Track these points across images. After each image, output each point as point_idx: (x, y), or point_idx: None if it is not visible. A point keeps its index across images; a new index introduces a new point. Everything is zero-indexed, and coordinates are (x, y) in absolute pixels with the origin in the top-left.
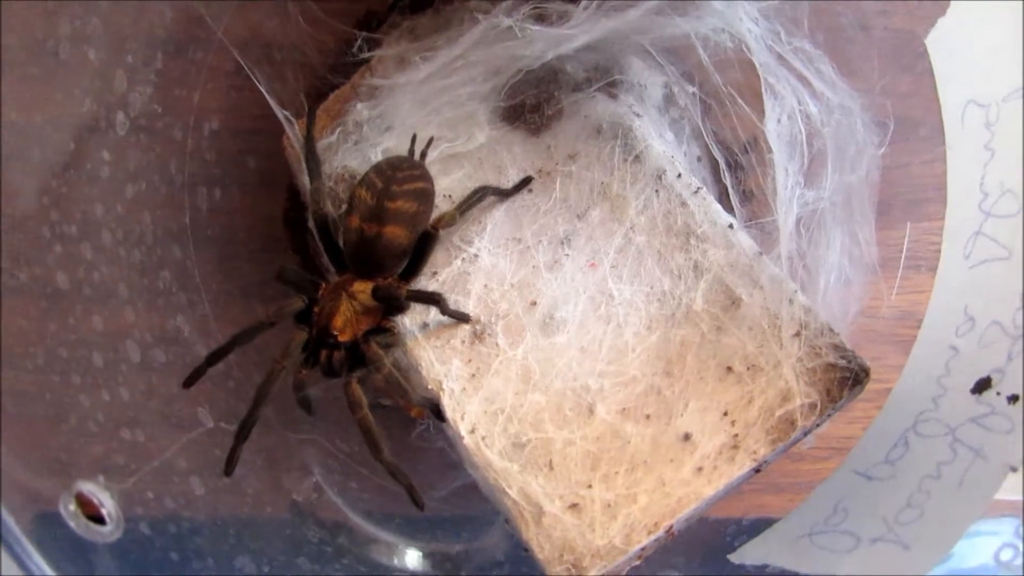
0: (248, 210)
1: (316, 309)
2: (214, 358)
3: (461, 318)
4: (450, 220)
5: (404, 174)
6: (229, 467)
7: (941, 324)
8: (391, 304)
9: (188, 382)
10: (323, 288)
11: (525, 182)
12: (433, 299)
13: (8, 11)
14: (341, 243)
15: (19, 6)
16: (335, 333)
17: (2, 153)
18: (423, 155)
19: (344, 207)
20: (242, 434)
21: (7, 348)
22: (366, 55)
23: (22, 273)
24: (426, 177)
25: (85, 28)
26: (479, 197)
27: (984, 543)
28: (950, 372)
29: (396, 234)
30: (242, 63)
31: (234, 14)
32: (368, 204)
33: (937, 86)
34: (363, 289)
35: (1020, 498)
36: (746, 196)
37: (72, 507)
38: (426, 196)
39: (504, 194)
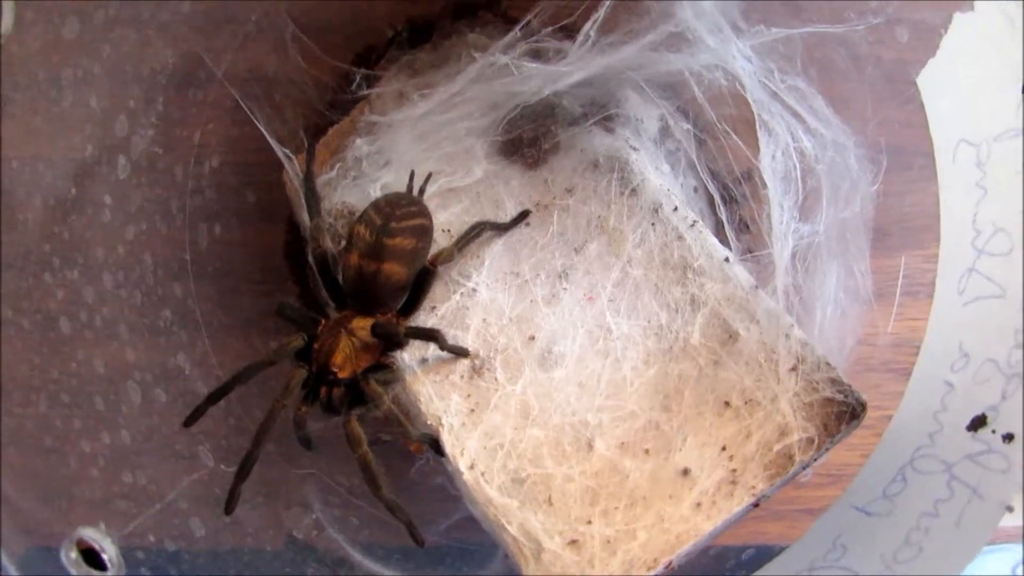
0: (248, 243)
1: (316, 346)
2: (215, 397)
3: (460, 353)
4: (448, 256)
5: (402, 211)
6: (229, 506)
7: (937, 359)
8: (390, 341)
9: (189, 421)
10: (322, 325)
11: (523, 216)
12: (431, 336)
13: (9, 59)
14: (340, 280)
15: (21, 54)
16: (335, 370)
17: (3, 201)
18: (421, 191)
19: (343, 243)
20: (242, 473)
21: (8, 394)
22: (365, 92)
23: (25, 319)
24: (424, 213)
25: (87, 75)
26: (477, 232)
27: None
28: (946, 408)
29: (395, 271)
30: (241, 103)
31: (234, 53)
32: (367, 241)
33: (929, 124)
34: (362, 326)
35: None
36: (742, 228)
37: (73, 555)
38: (424, 232)
39: (502, 228)
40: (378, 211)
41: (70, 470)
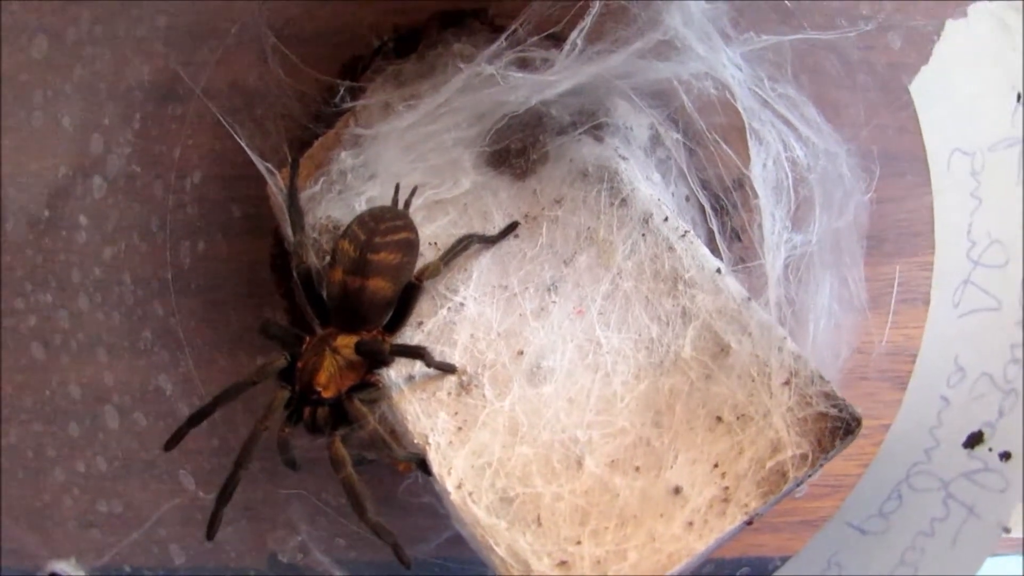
0: (234, 258)
1: (299, 364)
2: (195, 419)
3: (447, 370)
4: (435, 271)
5: (387, 225)
6: (211, 531)
7: (932, 373)
8: (375, 359)
9: (169, 445)
10: (306, 343)
11: (511, 228)
12: (417, 353)
13: None
14: (325, 296)
15: None
16: (319, 389)
17: None
18: (407, 204)
19: (327, 259)
20: (224, 496)
21: None
22: (349, 104)
23: None
24: (410, 227)
25: (58, 94)
26: (464, 246)
27: None
28: (942, 423)
29: (380, 287)
30: (221, 119)
31: (214, 67)
32: (351, 257)
33: (923, 132)
34: (347, 343)
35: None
36: (734, 238)
37: None
38: (410, 247)
39: (489, 241)
40: (362, 226)
41: (43, 500)
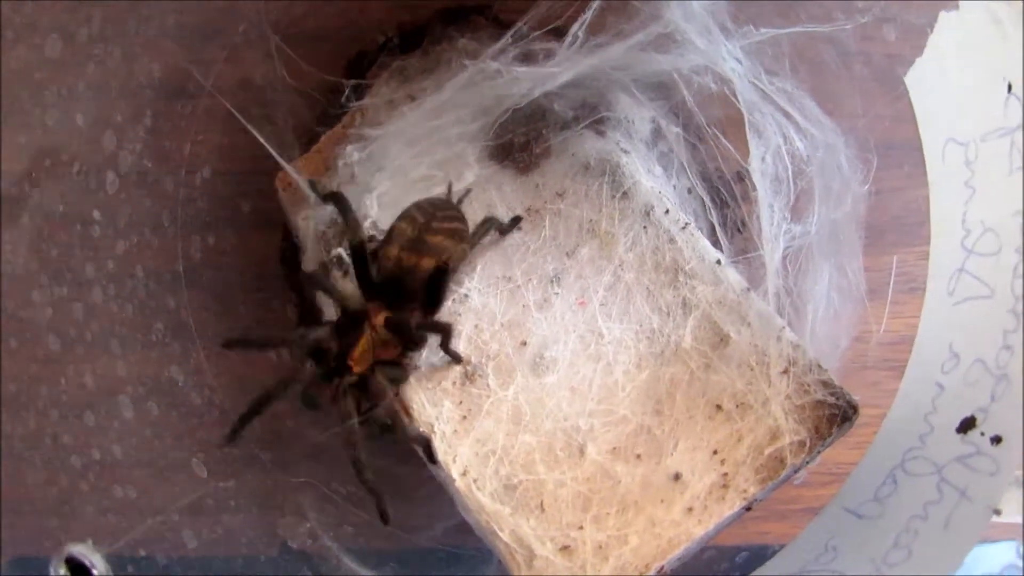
0: (243, 252)
1: (337, 339)
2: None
3: (455, 357)
4: (462, 255)
5: (444, 213)
6: (230, 438)
7: (927, 360)
8: (404, 336)
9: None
10: (344, 316)
11: (516, 221)
12: (440, 328)
13: None
14: (374, 272)
15: (3, 74)
16: (351, 364)
17: None
18: (459, 200)
19: (334, 252)
20: (248, 416)
21: None
22: (354, 101)
23: (13, 339)
24: (463, 220)
25: (72, 92)
26: (486, 229)
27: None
28: (936, 409)
29: (431, 267)
30: (235, 114)
31: (222, 64)
32: (409, 236)
33: (918, 123)
34: (383, 321)
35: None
36: (735, 230)
37: (63, 571)
38: (462, 237)
39: (504, 229)
40: (420, 210)
41: (60, 486)
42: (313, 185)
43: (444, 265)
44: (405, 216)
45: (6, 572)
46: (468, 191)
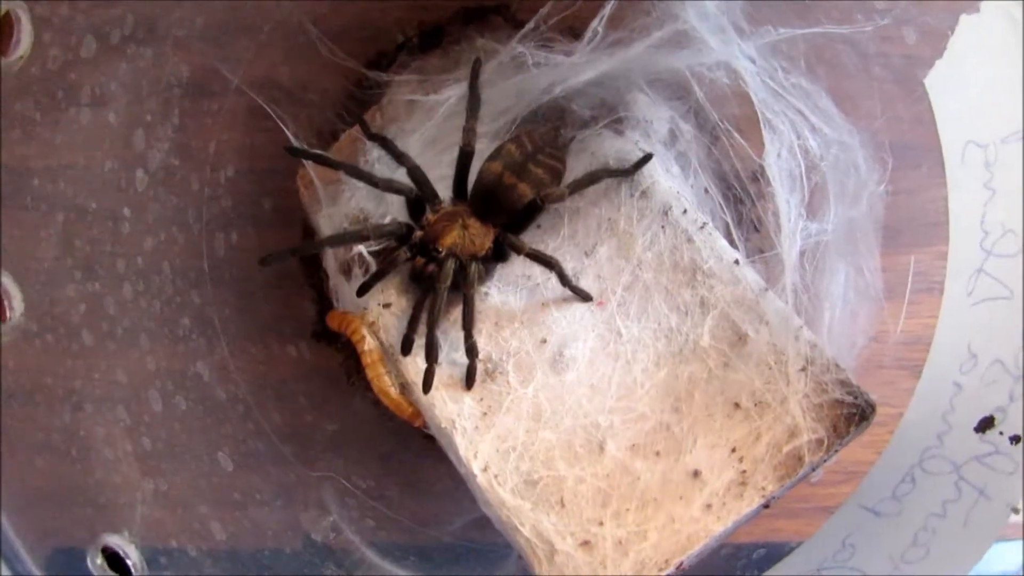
0: (264, 249)
1: (430, 219)
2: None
3: (580, 293)
4: (559, 197)
5: (551, 150)
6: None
7: (946, 360)
8: (503, 252)
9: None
10: (438, 209)
11: (646, 159)
12: (551, 263)
13: (29, 79)
14: (474, 181)
15: (40, 74)
16: (439, 248)
17: (26, 216)
18: (565, 145)
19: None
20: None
21: (36, 405)
22: (375, 99)
23: (49, 334)
24: (564, 163)
25: (105, 92)
26: (594, 179)
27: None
28: (954, 409)
29: (525, 192)
30: (263, 104)
31: (248, 63)
32: (515, 159)
33: (937, 125)
34: (475, 225)
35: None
36: (752, 229)
37: (99, 561)
38: (558, 177)
39: (621, 175)
40: (531, 139)
41: (95, 478)
42: (363, 124)
43: (541, 200)
44: (515, 140)
45: (45, 565)
46: (573, 138)
